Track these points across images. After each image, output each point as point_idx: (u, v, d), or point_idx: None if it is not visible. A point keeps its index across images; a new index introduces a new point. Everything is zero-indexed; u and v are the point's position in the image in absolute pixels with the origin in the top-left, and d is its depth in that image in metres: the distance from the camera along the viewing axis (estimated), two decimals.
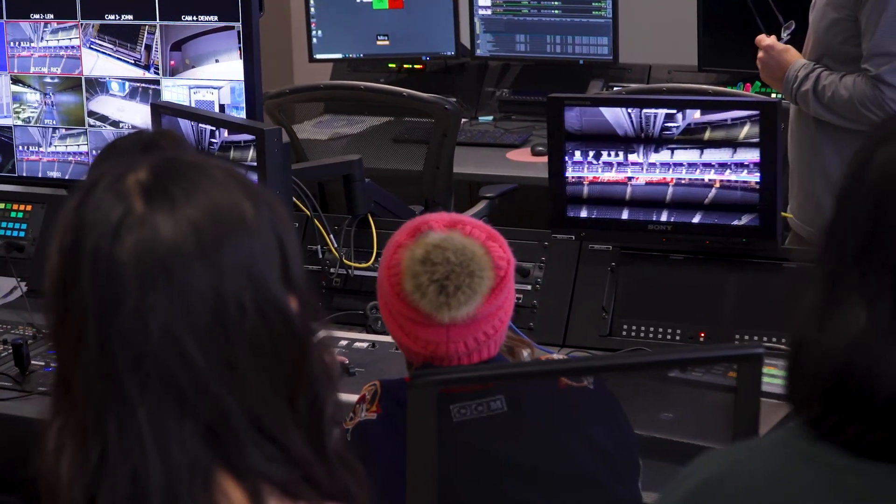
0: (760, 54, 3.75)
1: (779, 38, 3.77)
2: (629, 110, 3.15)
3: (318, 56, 5.83)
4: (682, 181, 3.14)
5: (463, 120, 5.56)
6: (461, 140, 5.22)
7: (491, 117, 5.70)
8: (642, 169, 3.16)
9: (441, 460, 1.94)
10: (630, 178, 3.18)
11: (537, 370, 2.32)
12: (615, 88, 5.44)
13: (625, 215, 3.21)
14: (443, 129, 4.48)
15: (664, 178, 3.15)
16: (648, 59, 5.74)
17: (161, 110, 3.51)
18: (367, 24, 5.67)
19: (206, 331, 1.28)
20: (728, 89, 5.06)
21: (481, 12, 5.77)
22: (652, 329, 3.21)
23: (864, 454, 1.30)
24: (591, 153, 3.19)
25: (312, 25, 5.82)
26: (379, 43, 5.77)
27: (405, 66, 5.74)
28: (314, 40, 5.82)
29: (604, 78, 5.61)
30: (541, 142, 5.27)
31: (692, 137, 3.11)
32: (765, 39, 3.75)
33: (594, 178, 3.20)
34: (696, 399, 2.84)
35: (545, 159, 5.06)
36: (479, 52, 5.81)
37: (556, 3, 5.64)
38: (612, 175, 3.19)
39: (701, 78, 5.47)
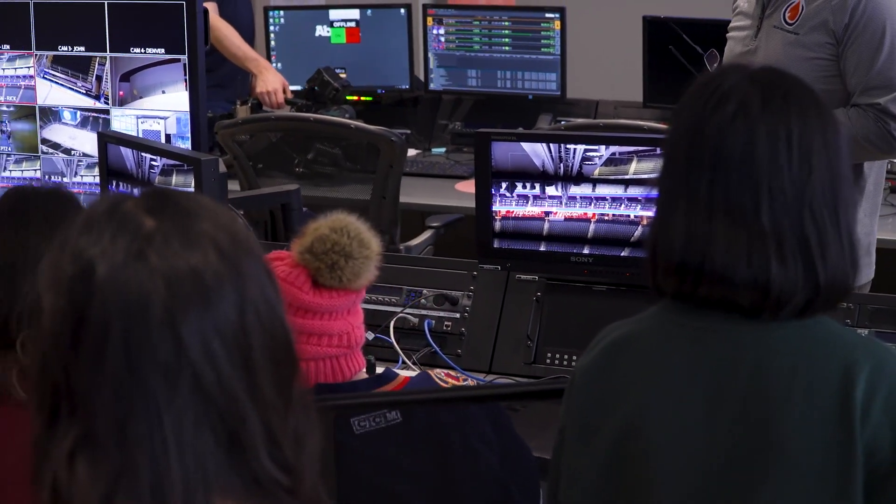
0: None
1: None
2: (550, 145, 3.14)
3: None
4: (606, 217, 3.13)
5: (416, 151, 5.58)
6: (413, 171, 5.24)
7: (444, 149, 5.69)
8: (561, 203, 3.15)
9: (346, 469, 2.12)
10: (548, 213, 3.17)
11: (420, 398, 2.40)
12: (562, 123, 5.44)
13: (543, 248, 3.19)
14: (389, 161, 4.47)
15: (585, 214, 3.14)
16: (596, 95, 5.75)
17: (106, 139, 3.50)
18: (325, 58, 5.66)
19: (233, 338, 1.31)
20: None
21: (435, 48, 5.77)
22: (575, 357, 3.19)
23: (707, 307, 1.79)
24: (515, 186, 3.18)
25: (272, 58, 5.82)
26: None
27: (361, 98, 5.72)
28: None
29: (552, 112, 5.60)
30: None
31: (616, 170, 3.10)
32: None
33: (518, 212, 3.19)
34: None
35: None
36: (432, 85, 5.81)
37: (506, 39, 5.64)
38: (529, 209, 3.18)
39: (646, 114, 5.46)
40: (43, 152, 3.91)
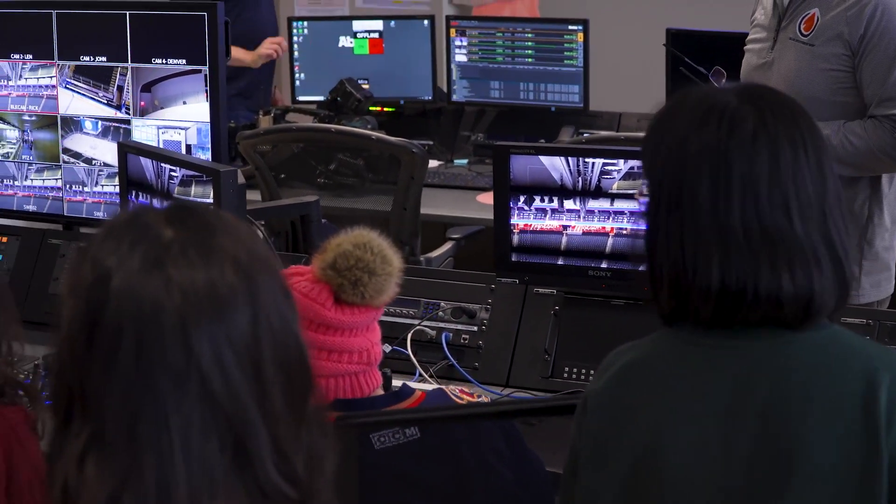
0: None
1: None
2: (568, 159, 3.10)
3: (301, 98, 5.81)
4: (624, 231, 3.09)
5: (438, 163, 5.55)
6: (435, 182, 5.20)
7: (466, 160, 5.66)
8: (579, 217, 3.11)
9: (367, 485, 2.13)
10: (566, 227, 3.13)
11: (451, 414, 2.39)
12: (584, 135, 5.41)
13: (561, 261, 3.15)
14: (410, 172, 4.44)
15: (603, 228, 3.10)
16: (618, 107, 5.71)
17: (126, 149, 3.48)
18: (348, 68, 5.63)
19: (244, 349, 1.33)
20: None
21: (458, 59, 5.74)
22: (592, 371, 3.15)
23: (713, 326, 1.78)
24: (533, 200, 3.14)
25: (296, 69, 5.80)
26: None
27: (384, 109, 5.69)
28: (297, 83, 5.80)
29: (575, 125, 5.57)
30: None
31: (634, 184, 3.06)
32: None
33: (536, 226, 3.15)
34: None
35: None
36: (455, 97, 5.78)
37: (529, 51, 5.61)
38: (547, 223, 3.14)
39: None
40: (64, 161, 3.89)
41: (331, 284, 2.27)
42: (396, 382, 2.46)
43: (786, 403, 1.74)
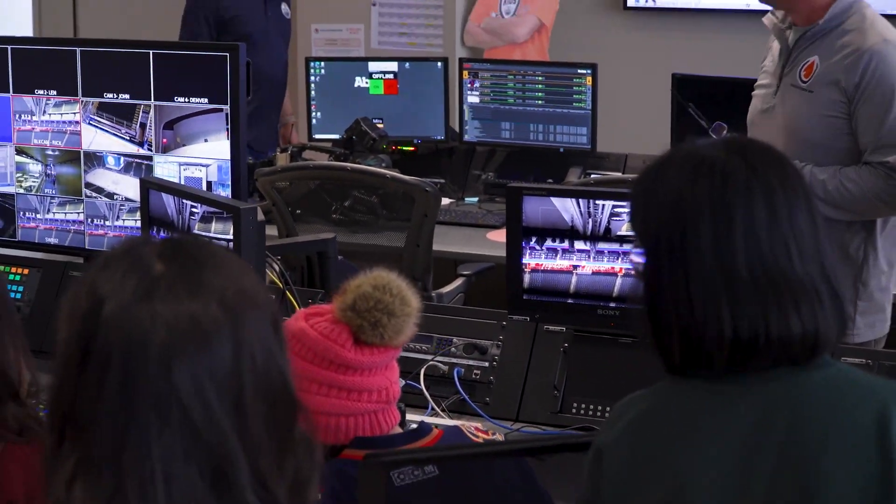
0: None
1: None
2: (579, 201, 3.15)
3: (317, 136, 5.87)
4: (633, 272, 3.13)
5: (449, 200, 5.61)
6: (446, 219, 5.26)
7: (476, 199, 5.72)
8: (589, 257, 3.16)
9: None
10: (576, 267, 3.18)
11: (471, 452, 2.40)
12: (591, 176, 5.47)
13: (571, 300, 3.20)
14: (423, 210, 4.50)
15: (612, 268, 3.15)
16: (625, 149, 5.77)
17: (149, 185, 3.53)
18: (363, 108, 5.71)
19: (225, 380, 1.38)
20: None
21: (470, 100, 5.81)
22: (600, 407, 3.20)
23: (726, 372, 1.80)
24: (545, 240, 3.19)
25: (312, 108, 5.86)
26: None
27: (398, 147, 5.76)
28: (314, 121, 5.87)
29: (582, 165, 5.62)
30: None
31: None
32: None
33: (547, 265, 3.20)
34: None
35: None
36: (467, 137, 5.85)
37: (539, 94, 5.68)
38: (558, 263, 3.19)
39: None
40: (86, 196, 3.94)
41: (350, 325, 2.30)
42: (411, 416, 2.50)
43: (802, 441, 1.76)
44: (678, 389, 1.88)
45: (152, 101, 3.80)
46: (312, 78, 5.86)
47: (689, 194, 1.82)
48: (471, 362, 3.32)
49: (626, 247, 3.12)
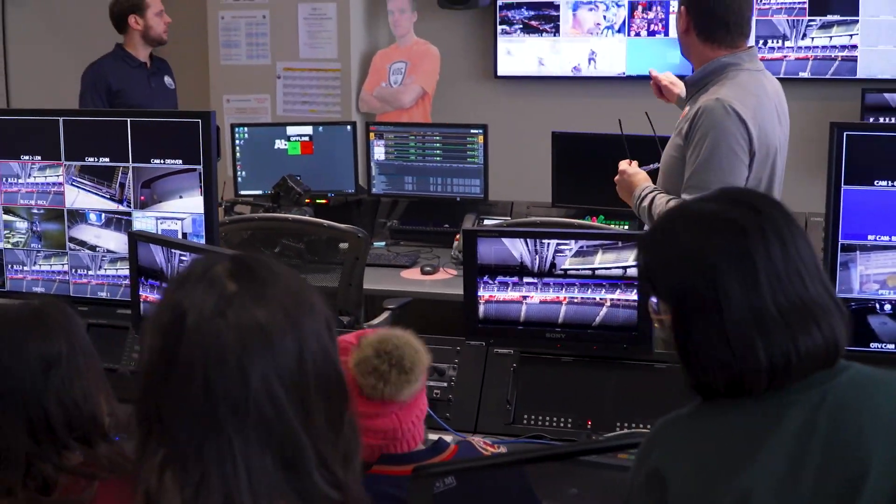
0: (617, 176, 3.79)
1: (641, 165, 3.82)
2: (527, 241, 3.18)
3: (243, 192, 5.80)
4: (575, 300, 3.16)
5: None
6: None
7: (384, 243, 5.71)
8: (536, 288, 3.18)
9: None
10: (525, 297, 3.19)
11: (509, 460, 2.40)
12: (485, 221, 5.50)
13: (521, 326, 3.21)
14: (355, 253, 4.47)
15: (557, 297, 3.17)
16: (512, 197, 5.82)
17: (137, 238, 3.44)
18: (282, 166, 5.65)
19: (291, 381, 1.39)
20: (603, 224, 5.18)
21: (377, 157, 5.80)
22: (548, 418, 3.22)
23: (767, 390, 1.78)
24: (496, 275, 3.20)
25: (238, 167, 5.79)
26: None
27: (313, 200, 5.71)
28: (239, 179, 5.79)
29: (476, 212, 5.66)
30: (427, 263, 5.30)
31: (584, 260, 3.13)
32: (624, 165, 3.80)
33: (499, 296, 3.21)
34: (595, 476, 2.84)
35: (433, 277, 5.13)
36: (374, 189, 5.84)
37: (437, 151, 5.70)
38: (509, 294, 3.20)
39: (554, 212, 5.56)
40: (70, 249, 3.84)
41: (356, 380, 2.24)
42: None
43: (842, 434, 1.76)
44: (726, 410, 1.83)
45: (130, 163, 3.73)
46: (237, 141, 5.79)
47: (710, 249, 1.80)
48: (431, 383, 3.30)
49: (570, 278, 3.15)
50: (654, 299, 1.89)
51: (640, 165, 3.80)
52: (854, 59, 6.64)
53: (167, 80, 6.37)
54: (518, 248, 3.18)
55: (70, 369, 1.97)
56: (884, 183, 3.07)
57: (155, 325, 1.43)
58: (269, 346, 1.38)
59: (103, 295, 3.80)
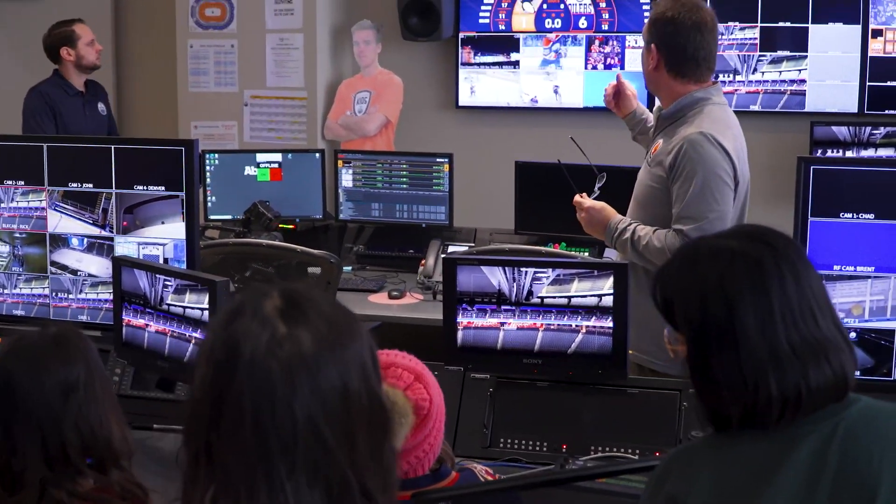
0: (582, 214, 3.79)
1: (591, 191, 3.86)
2: (505, 269, 3.21)
3: (212, 217, 5.80)
4: (552, 326, 3.20)
5: None
6: None
7: (350, 268, 5.72)
8: (514, 315, 3.22)
9: None
10: (503, 324, 3.23)
11: (509, 485, 2.46)
12: (450, 248, 5.53)
13: (499, 352, 3.25)
14: (327, 278, 4.49)
15: (534, 324, 3.21)
16: (475, 224, 5.86)
17: (121, 263, 3.44)
18: (253, 193, 5.67)
19: (335, 415, 1.38)
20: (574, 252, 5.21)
21: (344, 184, 5.83)
22: (524, 442, 3.25)
23: (752, 427, 1.80)
24: (475, 302, 3.23)
25: (208, 192, 5.79)
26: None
27: (281, 225, 5.73)
28: (209, 204, 5.79)
29: (440, 238, 5.68)
30: (394, 287, 5.32)
31: (560, 288, 3.17)
32: (584, 201, 3.79)
33: (478, 323, 3.24)
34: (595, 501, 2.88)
35: (400, 301, 5.15)
36: (341, 216, 5.86)
37: (404, 178, 5.73)
38: (487, 321, 3.24)
39: (517, 239, 5.59)
40: (52, 272, 3.83)
41: None
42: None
43: (852, 464, 1.77)
44: (740, 440, 1.84)
45: (114, 189, 3.73)
46: (208, 167, 5.79)
47: (730, 283, 1.81)
48: None
49: (546, 305, 3.19)
50: (667, 329, 1.91)
51: (588, 193, 3.84)
52: (803, 94, 6.77)
53: (100, 106, 6.51)
54: (496, 276, 3.22)
55: (88, 395, 1.98)
56: (849, 215, 3.15)
57: (207, 359, 1.43)
58: (316, 384, 1.39)
59: (83, 318, 3.79)
